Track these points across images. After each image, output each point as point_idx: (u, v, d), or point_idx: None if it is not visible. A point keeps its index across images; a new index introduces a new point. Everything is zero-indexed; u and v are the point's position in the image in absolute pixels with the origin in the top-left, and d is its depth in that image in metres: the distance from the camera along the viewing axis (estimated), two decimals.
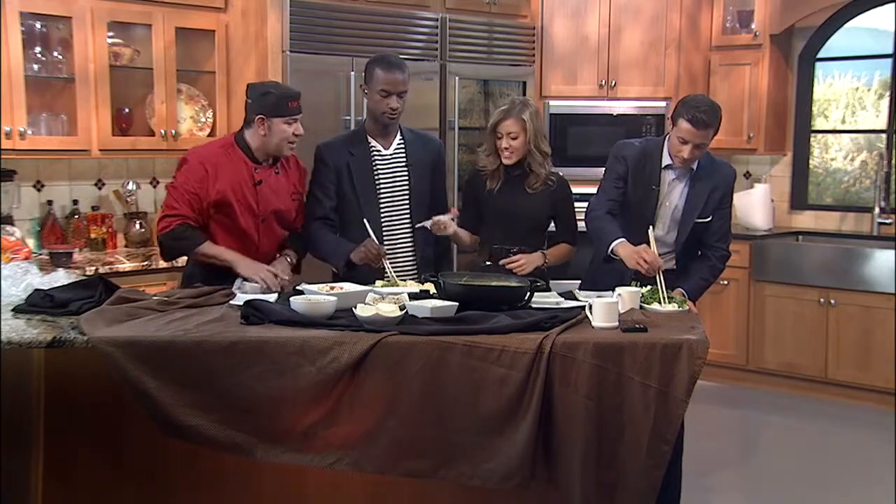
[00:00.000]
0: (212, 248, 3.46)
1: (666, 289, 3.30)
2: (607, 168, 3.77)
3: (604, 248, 3.56)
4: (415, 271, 3.69)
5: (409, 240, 3.71)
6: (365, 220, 3.52)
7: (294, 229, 3.67)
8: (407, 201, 3.70)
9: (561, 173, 3.86)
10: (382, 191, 3.66)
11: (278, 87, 3.55)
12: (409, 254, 3.72)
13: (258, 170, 3.50)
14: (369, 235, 3.49)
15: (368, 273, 3.48)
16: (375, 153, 3.66)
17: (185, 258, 3.66)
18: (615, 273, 3.59)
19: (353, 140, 3.68)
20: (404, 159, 3.70)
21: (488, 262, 3.72)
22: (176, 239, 3.46)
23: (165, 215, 3.47)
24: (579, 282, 3.79)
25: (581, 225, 3.85)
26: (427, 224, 3.61)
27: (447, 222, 3.60)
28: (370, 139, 3.66)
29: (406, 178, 3.69)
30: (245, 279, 3.37)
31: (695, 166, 3.66)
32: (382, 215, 3.66)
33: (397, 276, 3.47)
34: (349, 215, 3.64)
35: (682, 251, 3.70)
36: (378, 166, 3.65)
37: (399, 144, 3.70)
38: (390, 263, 3.49)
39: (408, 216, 3.70)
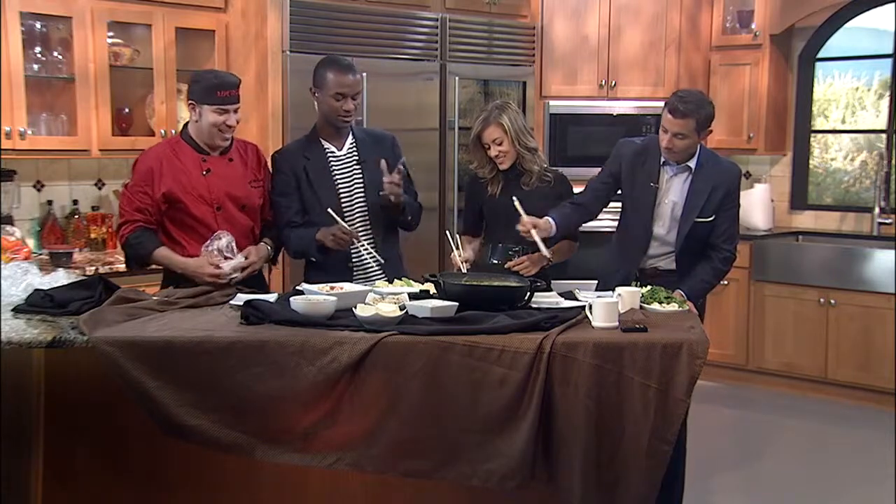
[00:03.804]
0: (163, 257, 3.44)
1: (662, 288, 3.29)
2: (604, 164, 3.83)
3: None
4: (375, 265, 3.68)
5: (368, 234, 3.69)
6: (329, 210, 3.53)
7: (266, 219, 3.66)
8: (363, 197, 3.68)
9: (562, 172, 3.88)
10: (341, 191, 3.66)
11: (209, 75, 3.52)
12: (368, 245, 3.71)
13: (206, 159, 3.49)
14: (337, 222, 3.51)
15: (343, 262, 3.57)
16: (330, 154, 3.67)
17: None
18: (621, 273, 3.65)
19: (307, 144, 3.69)
20: (356, 157, 3.70)
21: (493, 262, 3.73)
22: (131, 246, 3.46)
23: (120, 224, 3.48)
24: (595, 282, 3.81)
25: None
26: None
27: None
28: (323, 141, 3.68)
29: (360, 176, 3.69)
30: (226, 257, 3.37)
31: (693, 164, 3.66)
32: (343, 214, 3.65)
33: (364, 274, 3.61)
34: (312, 217, 3.63)
35: (684, 251, 3.68)
36: (333, 167, 3.66)
37: (351, 145, 3.71)
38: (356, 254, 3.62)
39: (365, 210, 3.69)
